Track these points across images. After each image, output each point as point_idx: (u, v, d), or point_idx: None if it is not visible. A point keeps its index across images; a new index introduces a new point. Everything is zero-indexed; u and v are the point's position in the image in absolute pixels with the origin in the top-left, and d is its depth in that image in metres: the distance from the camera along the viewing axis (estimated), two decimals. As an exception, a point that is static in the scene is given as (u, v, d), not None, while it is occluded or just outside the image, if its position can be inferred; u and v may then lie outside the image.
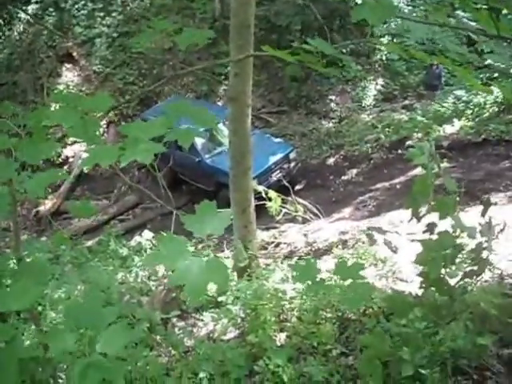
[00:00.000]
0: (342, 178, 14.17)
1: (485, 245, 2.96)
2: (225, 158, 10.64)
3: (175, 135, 2.43)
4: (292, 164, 14.00)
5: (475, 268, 2.86)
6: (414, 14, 16.19)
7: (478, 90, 13.70)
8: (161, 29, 3.03)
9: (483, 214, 3.53)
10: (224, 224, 2.09)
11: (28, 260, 3.00)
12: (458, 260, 2.92)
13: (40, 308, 6.99)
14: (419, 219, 3.05)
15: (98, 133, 2.56)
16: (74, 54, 18.33)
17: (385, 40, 16.79)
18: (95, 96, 2.47)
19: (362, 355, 3.75)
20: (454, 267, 2.78)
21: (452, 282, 3.10)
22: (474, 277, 2.97)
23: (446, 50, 15.38)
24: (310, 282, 2.61)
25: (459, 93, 15.95)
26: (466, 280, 3.10)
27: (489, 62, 15.34)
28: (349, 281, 2.52)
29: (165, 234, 2.29)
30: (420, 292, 3.68)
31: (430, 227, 2.89)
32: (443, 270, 2.80)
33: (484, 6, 2.86)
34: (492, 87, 14.82)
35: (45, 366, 3.17)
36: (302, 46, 2.87)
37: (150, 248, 9.85)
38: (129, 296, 7.67)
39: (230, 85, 7.29)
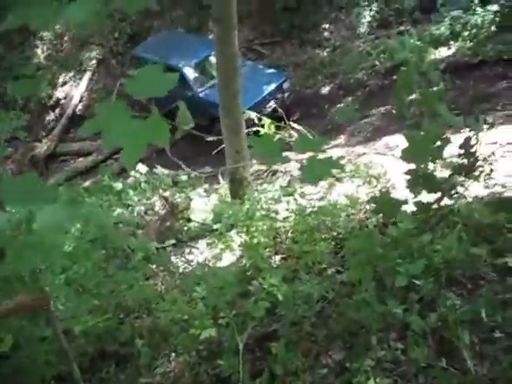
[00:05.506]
0: (337, 106, 13.94)
1: (473, 140, 2.84)
2: (218, 90, 10.33)
3: None
4: (286, 94, 13.75)
5: (465, 162, 2.74)
6: None
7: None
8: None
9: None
10: (169, 85, 1.92)
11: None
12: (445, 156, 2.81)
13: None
14: (404, 116, 2.92)
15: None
16: None
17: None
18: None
19: (352, 260, 3.67)
20: (441, 161, 2.67)
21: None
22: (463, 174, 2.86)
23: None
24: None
25: (456, 13, 15.40)
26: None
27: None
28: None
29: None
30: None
31: (417, 120, 2.76)
32: (431, 166, 2.69)
33: None
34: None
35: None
36: None
37: (145, 182, 9.72)
38: (124, 228, 7.64)
39: (214, 5, 7.01)
